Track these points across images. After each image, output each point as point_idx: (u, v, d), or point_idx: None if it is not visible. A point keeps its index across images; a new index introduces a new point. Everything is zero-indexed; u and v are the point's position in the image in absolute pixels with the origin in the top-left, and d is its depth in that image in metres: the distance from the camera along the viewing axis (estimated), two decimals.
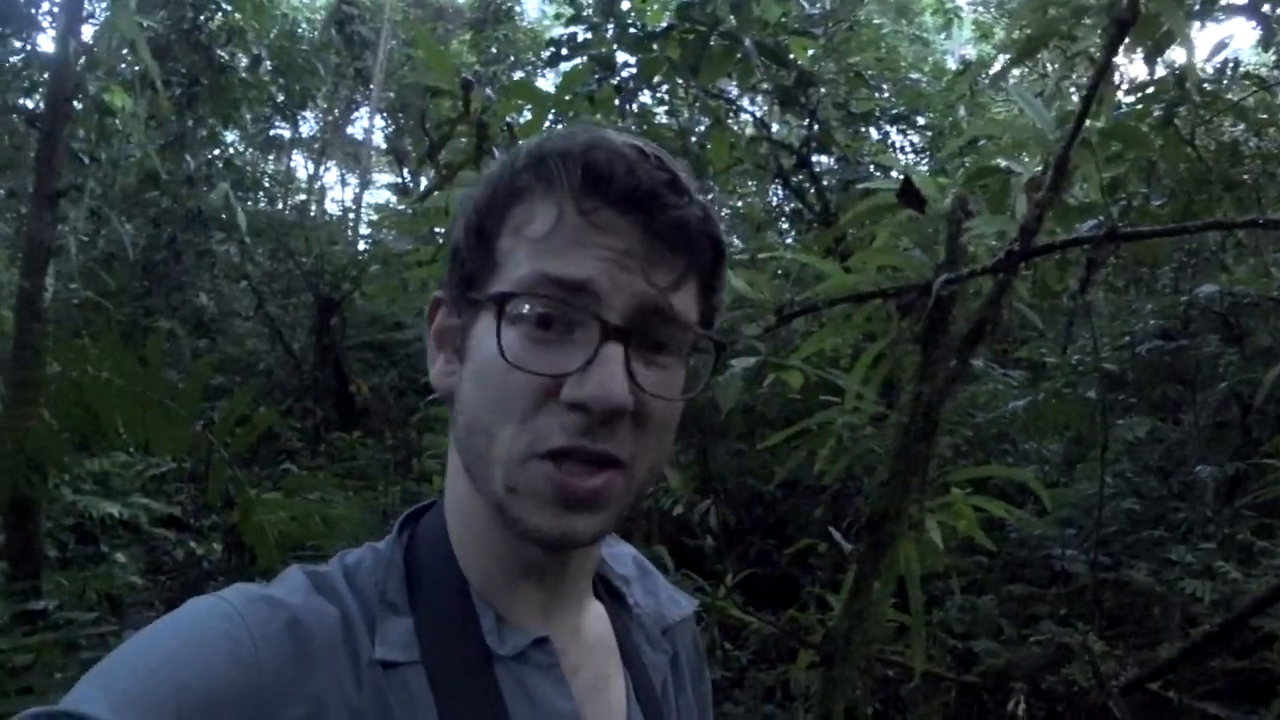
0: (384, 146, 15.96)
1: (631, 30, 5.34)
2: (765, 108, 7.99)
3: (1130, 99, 3.34)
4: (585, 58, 5.43)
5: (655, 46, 5.00)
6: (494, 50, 12.97)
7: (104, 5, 7.11)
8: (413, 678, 0.63)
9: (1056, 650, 3.66)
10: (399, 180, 13.98)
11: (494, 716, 0.64)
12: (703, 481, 5.68)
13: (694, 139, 5.12)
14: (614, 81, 5.35)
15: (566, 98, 4.69)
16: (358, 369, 10.23)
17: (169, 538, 6.64)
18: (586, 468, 0.63)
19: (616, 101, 5.12)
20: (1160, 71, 3.36)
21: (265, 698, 0.57)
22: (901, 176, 2.58)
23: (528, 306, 0.64)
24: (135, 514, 6.33)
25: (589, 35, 5.58)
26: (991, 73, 6.86)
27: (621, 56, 5.48)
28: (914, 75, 8.30)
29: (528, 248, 0.65)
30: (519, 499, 0.64)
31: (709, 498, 4.87)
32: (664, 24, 5.04)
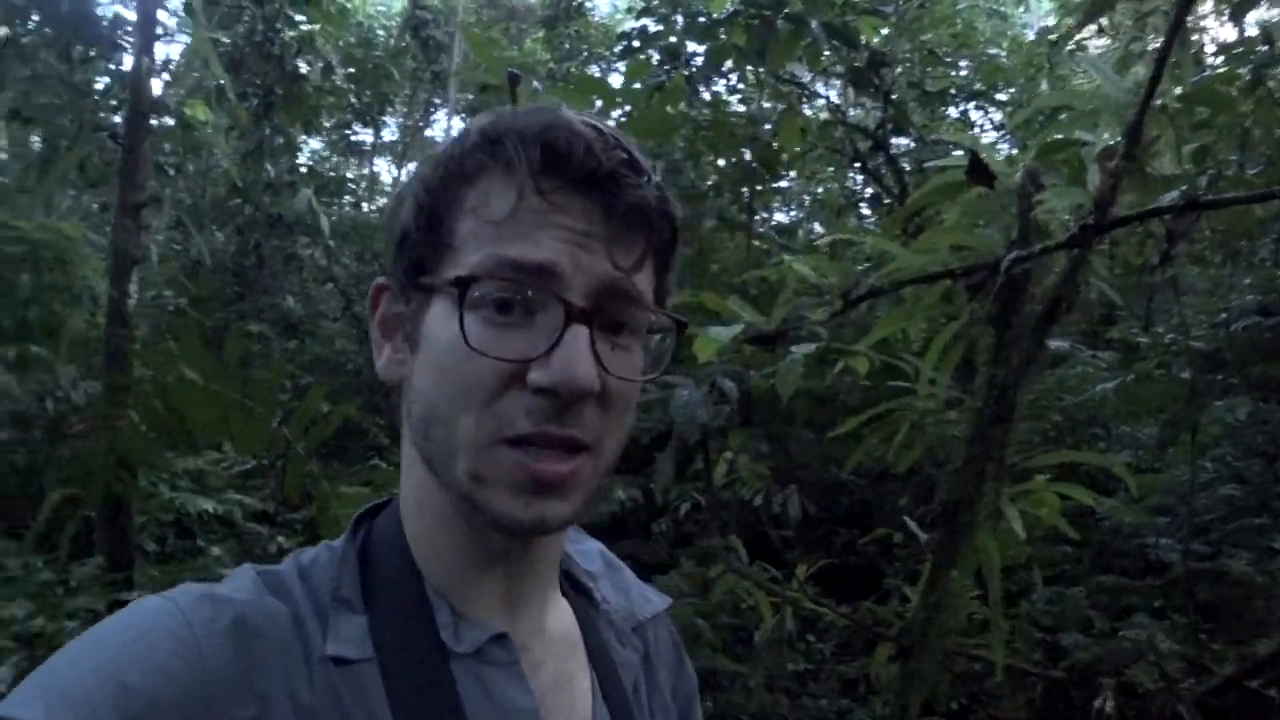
0: None
1: (699, 19, 5.31)
2: (839, 91, 7.85)
3: (1217, 60, 3.16)
4: (652, 50, 5.43)
5: (722, 33, 4.96)
6: (567, 47, 13.04)
7: (181, 23, 7.38)
8: (366, 675, 0.62)
9: (1143, 646, 3.50)
10: None
11: (449, 712, 0.63)
12: (783, 471, 5.61)
13: (766, 126, 5.04)
14: (684, 72, 5.33)
15: (634, 87, 4.69)
16: None
17: (262, 532, 6.86)
18: (556, 452, 0.62)
19: (686, 90, 5.12)
20: (1250, 31, 3.17)
21: (210, 697, 0.55)
22: (968, 153, 2.48)
23: (489, 291, 0.62)
24: (229, 509, 6.56)
25: (659, 27, 5.57)
26: (1066, 41, 6.59)
27: (690, 46, 5.47)
28: (992, 50, 8.04)
29: (485, 230, 0.64)
30: (486, 487, 0.63)
31: (787, 487, 4.80)
32: (728, 10, 4.99)
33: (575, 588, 0.79)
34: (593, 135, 0.64)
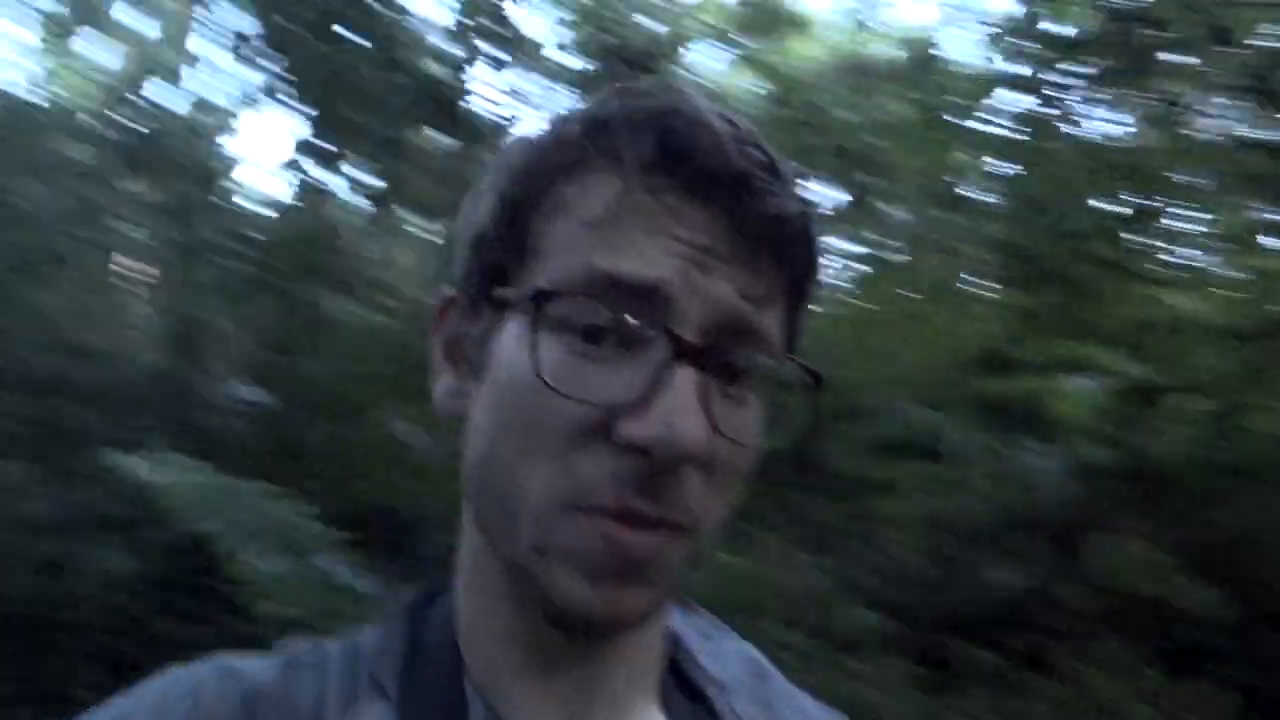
0: None
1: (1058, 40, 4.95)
2: (1233, 105, 6.79)
3: None
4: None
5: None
6: (925, 98, 12.66)
7: None
8: None
9: None
10: None
11: None
12: (1199, 560, 4.67)
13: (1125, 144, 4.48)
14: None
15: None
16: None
17: None
18: (636, 526, 0.50)
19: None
20: None
21: None
22: None
23: (575, 311, 0.51)
24: None
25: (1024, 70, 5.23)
26: None
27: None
28: None
29: (578, 234, 0.52)
30: (550, 564, 0.51)
31: (1201, 578, 3.96)
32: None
33: (693, 696, 0.62)
34: (722, 126, 0.52)
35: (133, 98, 5.66)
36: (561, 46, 5.82)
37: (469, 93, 5.60)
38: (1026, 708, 3.19)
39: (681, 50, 6.06)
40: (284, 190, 6.09)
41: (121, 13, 5.76)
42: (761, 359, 0.54)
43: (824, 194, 5.33)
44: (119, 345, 5.13)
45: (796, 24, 5.96)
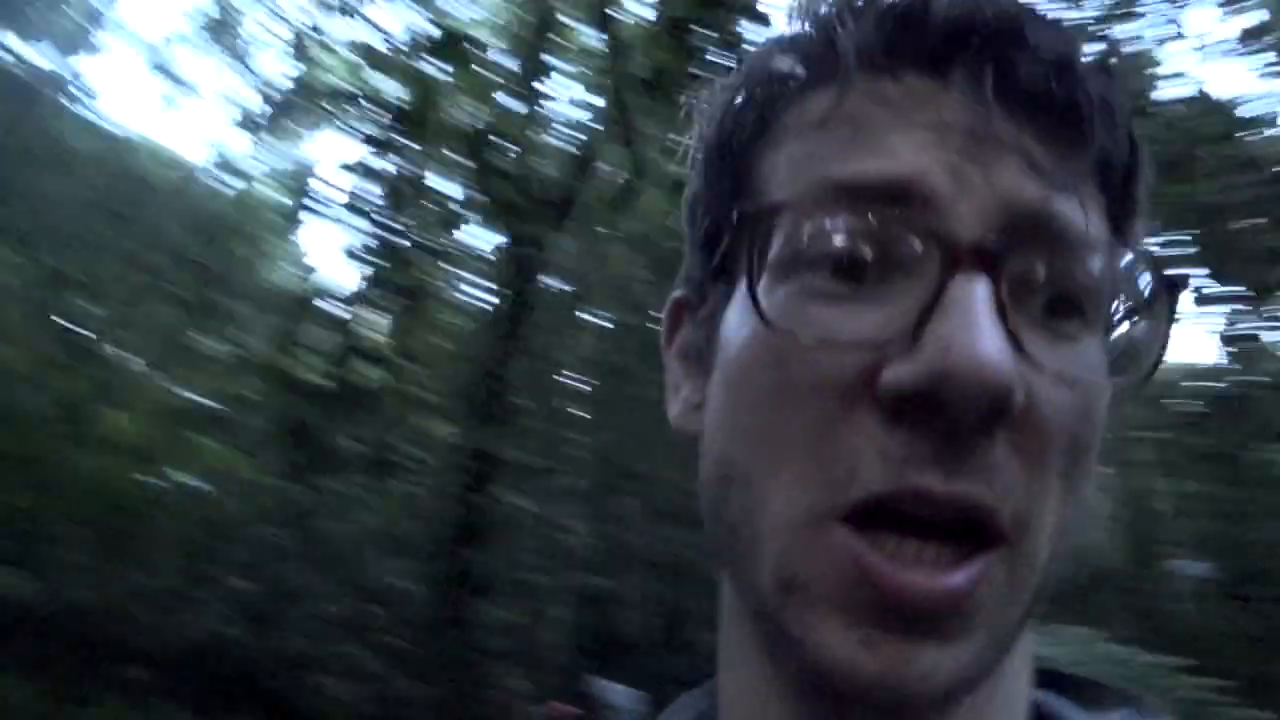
0: None
1: None
2: None
3: None
4: None
5: None
6: None
7: None
8: None
9: None
10: None
11: None
12: None
13: None
14: None
15: None
16: None
17: None
18: (933, 546, 0.35)
19: None
20: None
21: None
22: None
23: (810, 238, 0.38)
24: None
25: None
26: None
27: None
28: None
29: (801, 147, 0.41)
30: (801, 604, 0.36)
31: None
32: None
33: None
34: None
35: None
36: None
37: None
38: None
39: None
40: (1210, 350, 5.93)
41: None
42: (1088, 272, 0.37)
43: None
44: None
45: None
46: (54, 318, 7.46)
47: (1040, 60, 0.38)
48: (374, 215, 8.87)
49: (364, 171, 8.83)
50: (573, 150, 8.99)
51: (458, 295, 10.05)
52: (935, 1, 0.39)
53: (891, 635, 0.34)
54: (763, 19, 6.97)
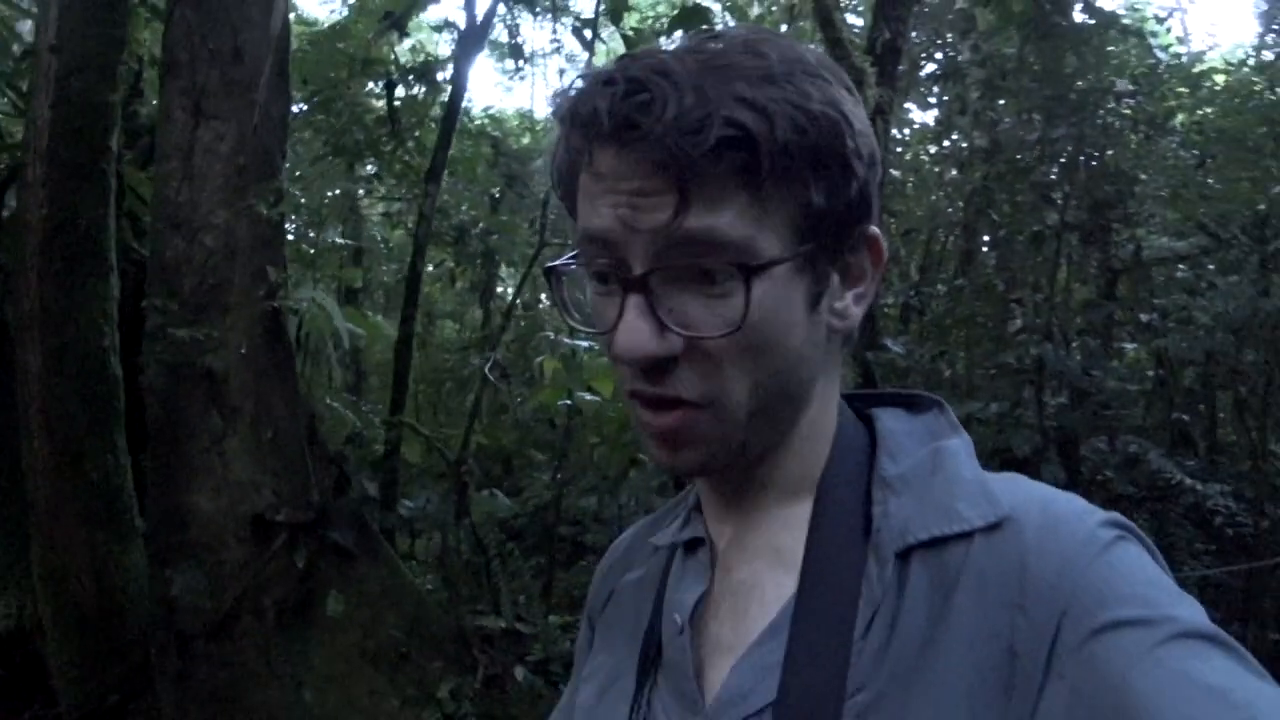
0: None
1: None
2: None
3: None
4: None
5: None
6: None
7: None
8: (663, 558, 0.80)
9: None
10: None
11: (657, 592, 0.77)
12: None
13: None
14: None
15: None
16: None
17: None
18: (656, 408, 0.64)
19: None
20: None
21: (600, 586, 0.87)
22: None
23: (587, 259, 0.64)
24: None
25: None
26: None
27: None
28: None
29: (583, 197, 0.65)
30: (641, 435, 0.67)
31: None
32: None
33: (867, 496, 0.67)
34: (595, 81, 0.60)
35: None
36: None
37: None
38: None
39: None
40: None
41: None
42: (720, 257, 0.59)
43: None
44: None
45: None
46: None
47: (644, 133, 0.57)
48: None
49: None
50: None
51: None
52: (595, 108, 0.58)
53: (664, 448, 0.66)
54: None
